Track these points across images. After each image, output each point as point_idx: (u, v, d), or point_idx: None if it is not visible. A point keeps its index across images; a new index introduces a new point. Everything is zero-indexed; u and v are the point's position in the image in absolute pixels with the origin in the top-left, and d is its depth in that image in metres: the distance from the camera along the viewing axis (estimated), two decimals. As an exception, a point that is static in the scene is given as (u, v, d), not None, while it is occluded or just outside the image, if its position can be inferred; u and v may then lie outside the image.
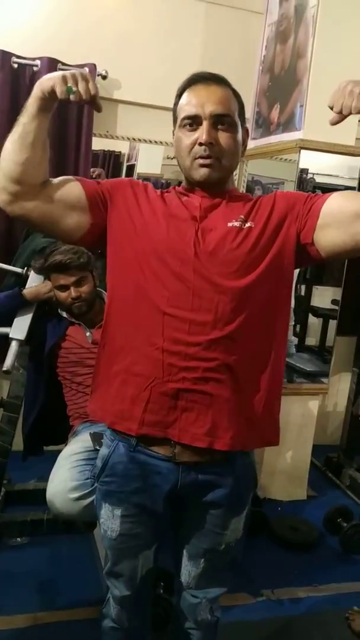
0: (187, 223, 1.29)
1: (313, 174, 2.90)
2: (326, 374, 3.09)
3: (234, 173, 1.46)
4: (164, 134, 3.09)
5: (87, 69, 2.86)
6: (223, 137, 1.27)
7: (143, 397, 1.28)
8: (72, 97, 1.20)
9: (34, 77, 2.82)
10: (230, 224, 1.28)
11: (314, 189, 2.94)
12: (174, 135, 1.35)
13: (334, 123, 1.21)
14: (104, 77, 2.94)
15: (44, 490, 1.93)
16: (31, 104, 1.23)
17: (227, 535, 1.41)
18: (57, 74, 1.20)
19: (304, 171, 2.85)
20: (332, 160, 2.82)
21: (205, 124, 1.26)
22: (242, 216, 1.29)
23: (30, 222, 1.38)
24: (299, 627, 2.15)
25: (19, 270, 2.34)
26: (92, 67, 2.87)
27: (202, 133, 1.26)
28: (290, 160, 2.86)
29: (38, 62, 2.81)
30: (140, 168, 3.37)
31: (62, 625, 2.02)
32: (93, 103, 1.24)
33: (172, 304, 1.25)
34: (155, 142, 3.14)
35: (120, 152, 3.37)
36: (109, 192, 1.34)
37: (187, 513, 1.42)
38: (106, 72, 2.93)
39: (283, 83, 2.92)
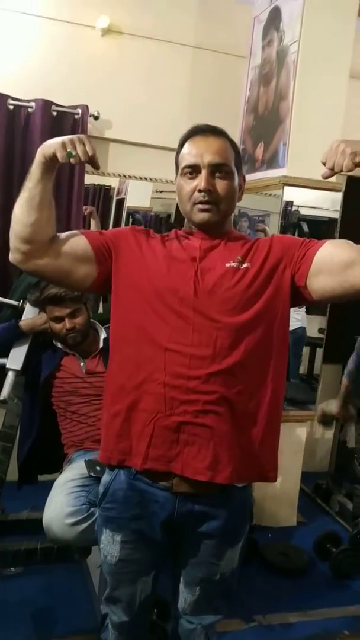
0: (186, 264, 1.38)
1: (298, 206, 3.02)
2: (314, 401, 3.17)
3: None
4: (153, 171, 3.23)
5: (79, 110, 3.00)
6: (220, 184, 1.38)
7: (147, 432, 1.33)
8: (72, 160, 1.31)
9: (29, 118, 2.94)
10: (227, 265, 1.37)
11: (298, 221, 3.06)
12: (175, 181, 1.45)
13: (326, 177, 1.31)
14: (96, 118, 3.07)
15: (37, 520, 1.96)
16: (35, 169, 1.33)
17: (222, 566, 1.46)
18: (57, 140, 1.31)
19: (289, 204, 2.98)
20: (316, 193, 2.93)
21: (204, 172, 1.37)
22: (240, 257, 1.38)
23: (44, 277, 1.50)
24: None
25: (15, 303, 2.41)
26: (85, 108, 3.00)
27: (200, 181, 1.37)
28: (275, 195, 2.99)
29: (33, 103, 2.93)
30: (130, 202, 3.48)
31: (56, 654, 2.04)
32: (92, 162, 1.35)
33: (173, 339, 1.32)
34: (145, 178, 3.26)
35: (110, 186, 3.47)
36: (113, 241, 1.43)
37: (184, 542, 1.46)
38: (98, 112, 3.06)
39: (267, 122, 3.06)
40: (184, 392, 1.31)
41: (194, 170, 1.38)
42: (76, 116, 3.01)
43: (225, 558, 1.45)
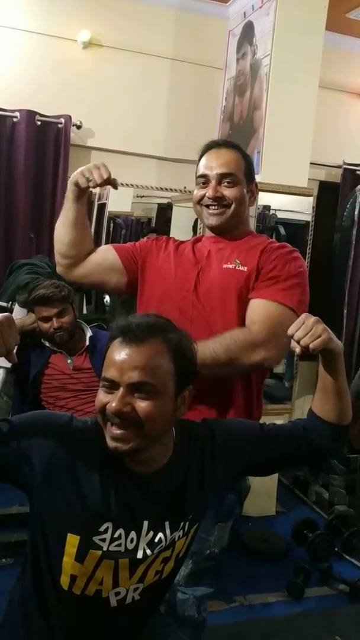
0: (191, 267, 1.58)
1: (275, 210, 3.18)
2: (290, 397, 3.33)
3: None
4: (133, 177, 3.35)
5: (62, 120, 3.12)
6: (226, 191, 1.57)
7: None
8: (90, 184, 1.56)
9: (14, 127, 3.05)
10: (224, 266, 1.56)
11: (275, 224, 3.22)
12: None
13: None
14: (79, 127, 3.19)
15: (26, 514, 2.05)
16: (68, 195, 1.60)
17: (212, 542, 1.60)
18: (79, 170, 1.56)
19: (267, 208, 3.13)
20: (293, 197, 3.09)
21: (212, 181, 1.57)
22: (237, 260, 1.56)
23: (82, 286, 1.85)
24: (270, 627, 2.31)
25: (4, 304, 2.53)
26: (68, 118, 3.12)
27: (209, 189, 1.57)
28: (251, 199, 3.13)
29: (17, 113, 3.04)
30: (111, 207, 3.59)
31: None
32: (110, 183, 1.57)
33: None
34: (127, 185, 3.39)
35: (91, 191, 3.57)
36: (140, 253, 1.66)
37: None
38: (81, 122, 3.19)
39: (242, 131, 3.21)
40: None
41: (206, 179, 1.59)
42: (59, 125, 3.12)
43: (215, 534, 1.59)
